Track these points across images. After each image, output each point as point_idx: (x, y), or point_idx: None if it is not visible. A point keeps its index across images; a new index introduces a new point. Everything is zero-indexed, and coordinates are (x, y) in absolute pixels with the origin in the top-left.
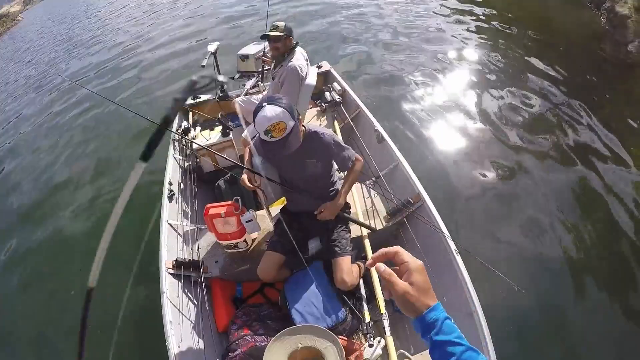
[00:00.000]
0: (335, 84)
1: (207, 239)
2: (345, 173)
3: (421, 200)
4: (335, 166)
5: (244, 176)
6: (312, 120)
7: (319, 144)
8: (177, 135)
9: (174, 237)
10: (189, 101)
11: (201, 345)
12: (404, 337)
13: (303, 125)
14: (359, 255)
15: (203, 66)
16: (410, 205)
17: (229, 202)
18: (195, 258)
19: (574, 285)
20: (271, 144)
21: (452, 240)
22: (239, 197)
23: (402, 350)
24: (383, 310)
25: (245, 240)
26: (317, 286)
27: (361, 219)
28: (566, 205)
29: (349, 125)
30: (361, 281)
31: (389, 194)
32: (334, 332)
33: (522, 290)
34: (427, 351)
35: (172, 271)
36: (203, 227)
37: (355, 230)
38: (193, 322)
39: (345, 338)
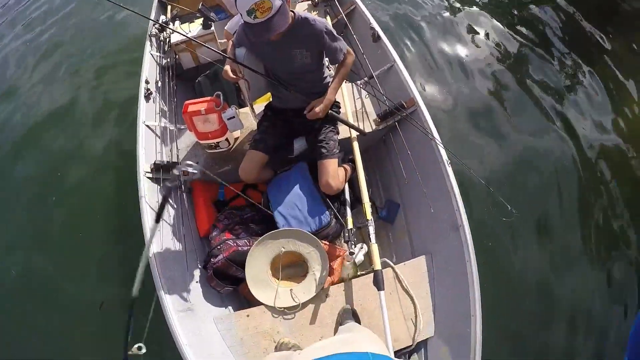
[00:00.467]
0: None
1: (187, 139)
2: (336, 67)
3: (415, 105)
4: (327, 61)
5: (227, 67)
6: None
7: (309, 31)
8: (154, 29)
9: (152, 138)
10: None
11: (182, 251)
12: (387, 245)
13: (292, 11)
14: (345, 158)
15: None
16: (403, 110)
17: (210, 98)
18: (175, 160)
19: (567, 211)
20: (255, 27)
21: (444, 149)
22: (220, 93)
23: (385, 259)
24: (369, 216)
25: (227, 139)
26: (301, 188)
27: (350, 121)
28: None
29: (342, 22)
30: (346, 185)
31: (381, 95)
32: (317, 237)
33: (514, 211)
34: (410, 261)
35: (150, 175)
36: (182, 127)
37: (343, 132)
38: (173, 227)
39: (328, 243)
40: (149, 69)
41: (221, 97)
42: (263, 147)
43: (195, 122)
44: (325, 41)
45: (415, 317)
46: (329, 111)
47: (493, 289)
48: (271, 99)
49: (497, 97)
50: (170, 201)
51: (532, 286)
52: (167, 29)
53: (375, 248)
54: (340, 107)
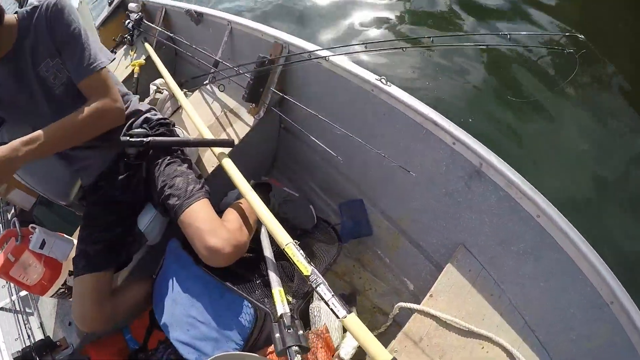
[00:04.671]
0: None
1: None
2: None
3: (285, 47)
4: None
5: None
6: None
7: (39, 23)
8: None
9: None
10: None
11: None
12: (382, 272)
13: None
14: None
15: None
16: (272, 64)
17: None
18: (43, 336)
19: None
20: None
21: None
22: (15, 219)
23: (400, 305)
24: (307, 270)
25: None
26: (186, 283)
27: (208, 137)
28: None
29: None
30: (263, 230)
31: (236, 70)
32: (254, 352)
33: None
34: (438, 280)
35: None
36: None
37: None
38: None
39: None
40: None
41: (16, 224)
42: (89, 263)
43: (17, 277)
44: (63, 35)
45: None
46: (153, 141)
47: None
48: (81, 182)
49: None
50: None
51: None
52: None
53: (352, 321)
54: (172, 126)
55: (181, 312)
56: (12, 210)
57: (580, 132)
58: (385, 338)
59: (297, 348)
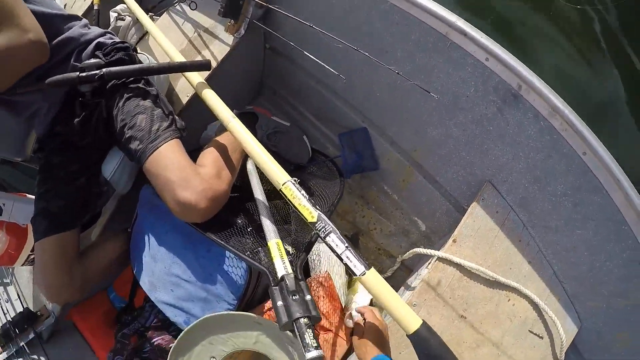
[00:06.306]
0: None
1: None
2: None
3: None
4: None
5: None
6: None
7: None
8: None
9: None
10: None
11: None
12: (392, 214)
13: None
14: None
15: None
16: None
17: None
18: (22, 308)
19: None
20: None
21: None
22: None
23: (416, 250)
24: (312, 215)
25: None
26: (166, 238)
27: (178, 59)
28: None
29: None
30: (252, 168)
31: None
32: (249, 310)
33: None
34: (463, 221)
35: (4, 355)
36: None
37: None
38: None
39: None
40: None
41: None
42: (51, 223)
43: None
44: None
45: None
46: (88, 75)
47: None
48: (34, 132)
49: None
50: None
51: None
52: None
53: (371, 277)
54: (133, 51)
55: (162, 270)
56: None
57: None
58: (392, 283)
59: (306, 320)
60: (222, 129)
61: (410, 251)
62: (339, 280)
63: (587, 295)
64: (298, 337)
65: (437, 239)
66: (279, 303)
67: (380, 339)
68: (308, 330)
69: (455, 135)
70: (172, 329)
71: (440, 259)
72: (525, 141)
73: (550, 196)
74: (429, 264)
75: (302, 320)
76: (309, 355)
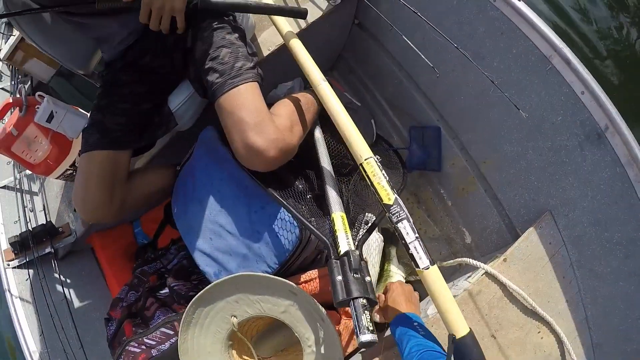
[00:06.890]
0: None
1: (53, 184)
2: None
3: None
4: None
5: None
6: None
7: None
8: None
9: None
10: None
11: None
12: (441, 221)
13: None
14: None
15: None
16: None
17: (4, 103)
18: (45, 221)
19: None
20: None
21: None
22: (22, 85)
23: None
24: (390, 198)
25: None
26: (220, 184)
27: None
28: None
29: None
30: (318, 132)
31: None
32: (286, 276)
33: None
34: (517, 243)
35: (15, 262)
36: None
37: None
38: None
39: (318, 277)
40: None
41: (23, 93)
42: (104, 136)
43: (19, 153)
44: None
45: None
46: None
47: None
48: (102, 55)
49: None
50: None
51: None
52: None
53: (433, 274)
54: None
55: (207, 216)
56: (29, 83)
57: None
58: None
59: (364, 301)
60: (292, 90)
61: (457, 259)
62: (372, 269)
63: (610, 347)
64: (355, 317)
65: (479, 254)
66: (339, 278)
67: (410, 300)
68: (366, 312)
69: (530, 158)
70: (194, 277)
71: (487, 273)
72: (597, 182)
73: (605, 242)
74: (473, 276)
75: (360, 300)
76: (363, 338)
